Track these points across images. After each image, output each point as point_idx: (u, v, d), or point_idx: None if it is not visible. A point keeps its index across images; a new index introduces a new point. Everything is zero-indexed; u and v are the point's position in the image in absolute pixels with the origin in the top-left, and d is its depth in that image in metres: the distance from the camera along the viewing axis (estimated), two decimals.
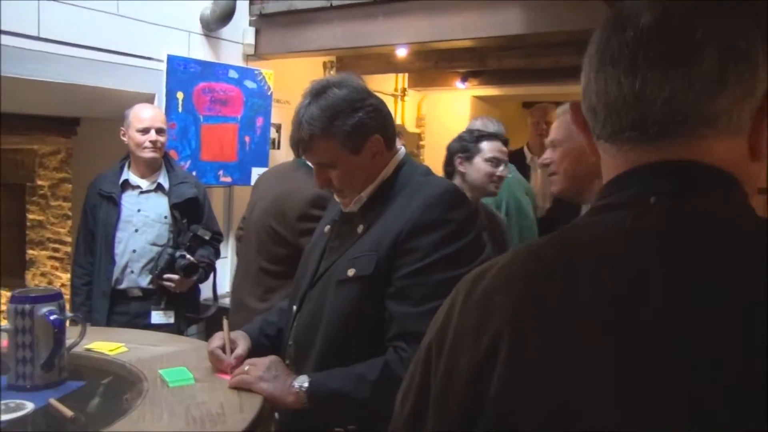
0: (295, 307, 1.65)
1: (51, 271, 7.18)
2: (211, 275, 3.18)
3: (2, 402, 1.43)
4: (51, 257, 7.17)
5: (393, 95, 5.95)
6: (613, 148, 0.71)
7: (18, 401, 1.44)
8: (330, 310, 1.49)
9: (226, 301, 3.80)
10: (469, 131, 2.74)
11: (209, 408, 1.45)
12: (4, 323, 1.60)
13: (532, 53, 4.17)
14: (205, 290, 3.23)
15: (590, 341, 0.59)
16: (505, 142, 2.70)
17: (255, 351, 1.79)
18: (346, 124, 1.48)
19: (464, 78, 5.71)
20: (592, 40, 0.72)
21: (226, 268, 4.14)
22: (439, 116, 6.09)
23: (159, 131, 2.98)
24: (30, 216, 7.32)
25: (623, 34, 0.68)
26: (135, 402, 1.49)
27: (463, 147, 2.65)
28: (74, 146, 4.68)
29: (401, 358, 1.35)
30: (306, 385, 1.41)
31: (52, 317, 1.53)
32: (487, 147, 2.62)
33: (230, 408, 1.46)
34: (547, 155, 1.78)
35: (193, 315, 3.15)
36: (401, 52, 4.50)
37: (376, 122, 1.52)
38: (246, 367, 1.54)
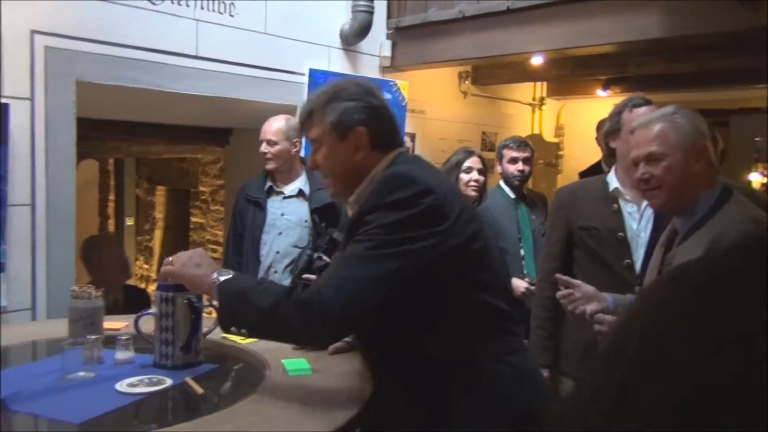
0: None
1: None
2: None
3: (147, 377, 1.63)
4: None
5: (531, 104, 5.88)
6: None
7: (159, 377, 1.64)
8: None
9: None
10: None
11: (322, 397, 1.57)
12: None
13: (674, 57, 3.95)
14: None
15: None
16: None
17: None
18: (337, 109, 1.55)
19: (606, 85, 5.51)
20: None
21: None
22: (579, 125, 5.89)
23: (269, 143, 3.17)
24: (193, 219, 8.03)
25: None
26: (257, 386, 1.64)
27: None
28: (227, 155, 5.08)
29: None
30: (222, 278, 1.50)
31: (190, 305, 1.72)
32: None
33: (339, 399, 1.56)
34: (644, 169, 1.69)
35: None
36: (536, 60, 4.45)
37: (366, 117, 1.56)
38: (170, 259, 1.63)
